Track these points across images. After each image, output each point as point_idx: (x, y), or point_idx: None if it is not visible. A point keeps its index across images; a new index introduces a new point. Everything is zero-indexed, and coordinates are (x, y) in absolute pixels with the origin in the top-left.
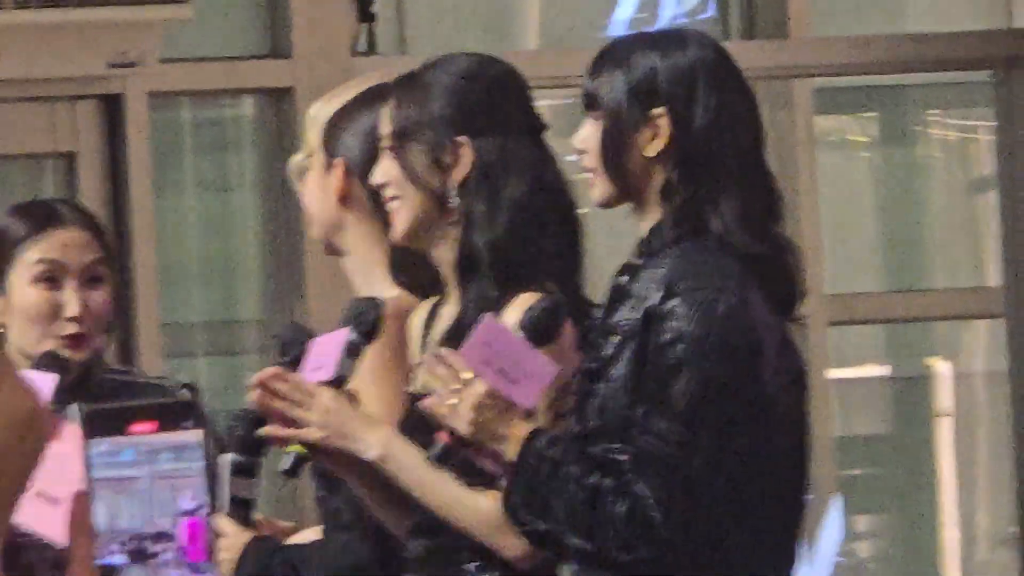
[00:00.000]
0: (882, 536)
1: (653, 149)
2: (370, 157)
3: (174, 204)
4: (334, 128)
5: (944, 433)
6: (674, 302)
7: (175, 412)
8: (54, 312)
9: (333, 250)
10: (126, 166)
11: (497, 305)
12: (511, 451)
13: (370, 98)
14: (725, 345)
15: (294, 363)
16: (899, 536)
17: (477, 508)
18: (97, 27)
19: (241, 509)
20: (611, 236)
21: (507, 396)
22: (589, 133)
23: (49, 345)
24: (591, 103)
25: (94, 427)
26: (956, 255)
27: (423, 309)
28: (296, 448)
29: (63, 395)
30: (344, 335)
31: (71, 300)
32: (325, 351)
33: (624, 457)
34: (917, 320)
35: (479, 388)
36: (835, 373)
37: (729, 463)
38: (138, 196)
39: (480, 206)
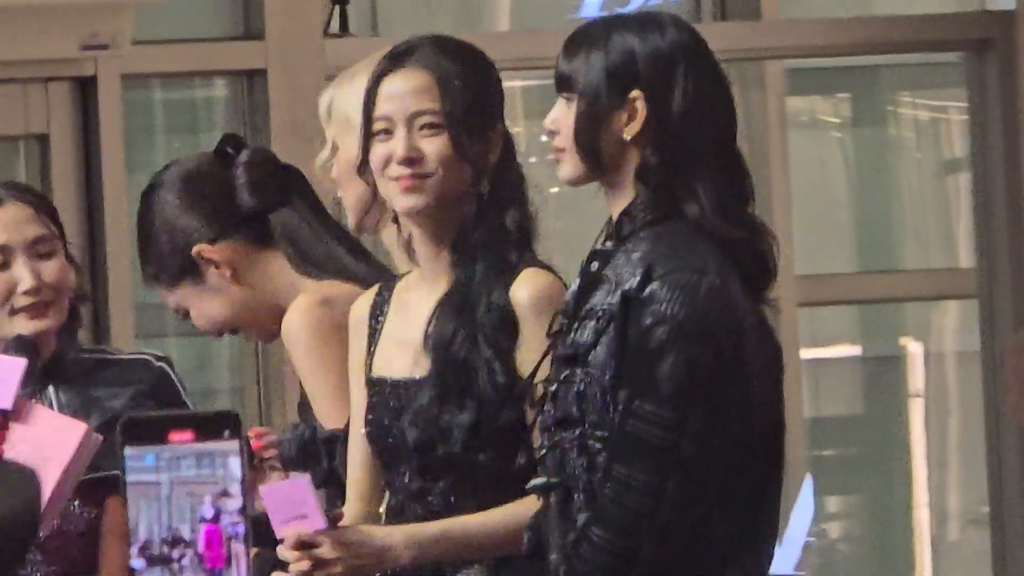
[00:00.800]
0: (854, 517)
1: (629, 132)
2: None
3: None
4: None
5: (916, 413)
6: (654, 285)
7: (214, 422)
8: (9, 290)
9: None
10: (99, 148)
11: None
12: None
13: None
14: (708, 327)
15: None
16: (871, 517)
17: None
18: (70, 9)
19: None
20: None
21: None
22: (561, 114)
23: (13, 325)
24: (565, 84)
25: (132, 435)
26: (928, 236)
27: (366, 299)
28: None
29: (39, 377)
30: (304, 484)
31: (23, 274)
32: (293, 500)
33: (599, 447)
34: (889, 301)
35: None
36: (807, 354)
37: (716, 445)
38: (111, 178)
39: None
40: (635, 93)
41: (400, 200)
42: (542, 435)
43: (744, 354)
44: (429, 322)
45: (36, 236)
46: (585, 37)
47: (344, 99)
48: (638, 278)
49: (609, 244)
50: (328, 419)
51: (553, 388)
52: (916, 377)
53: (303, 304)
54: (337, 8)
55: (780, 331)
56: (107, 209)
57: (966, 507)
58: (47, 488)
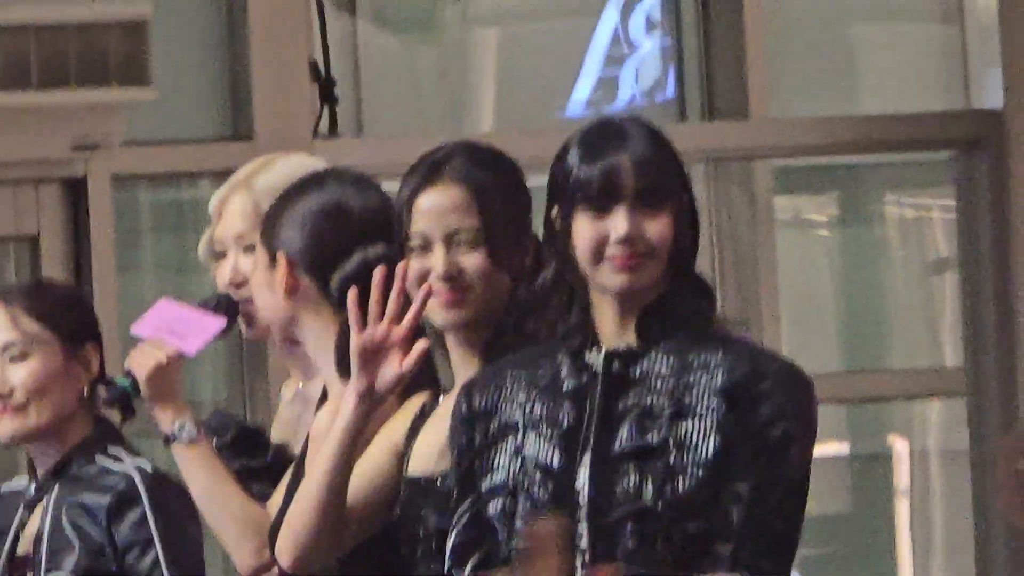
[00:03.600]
0: None
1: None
2: (311, 246)
3: (137, 286)
4: (272, 221)
5: (903, 512)
6: (767, 384)
7: None
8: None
9: (292, 343)
10: (88, 249)
11: None
12: None
13: (304, 187)
14: (814, 421)
15: (232, 444)
16: None
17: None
18: (60, 110)
19: None
20: None
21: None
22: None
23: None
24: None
25: None
26: (914, 335)
27: (412, 409)
28: None
29: (40, 488)
30: (214, 321)
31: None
32: (186, 323)
33: (721, 545)
34: (876, 400)
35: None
36: None
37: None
38: (101, 279)
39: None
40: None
41: (440, 315)
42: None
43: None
44: None
45: (6, 340)
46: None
47: (267, 197)
48: (742, 373)
49: (628, 345)
50: None
51: (606, 482)
52: (902, 476)
53: None
54: (326, 109)
55: None
56: (98, 309)
57: None
58: None
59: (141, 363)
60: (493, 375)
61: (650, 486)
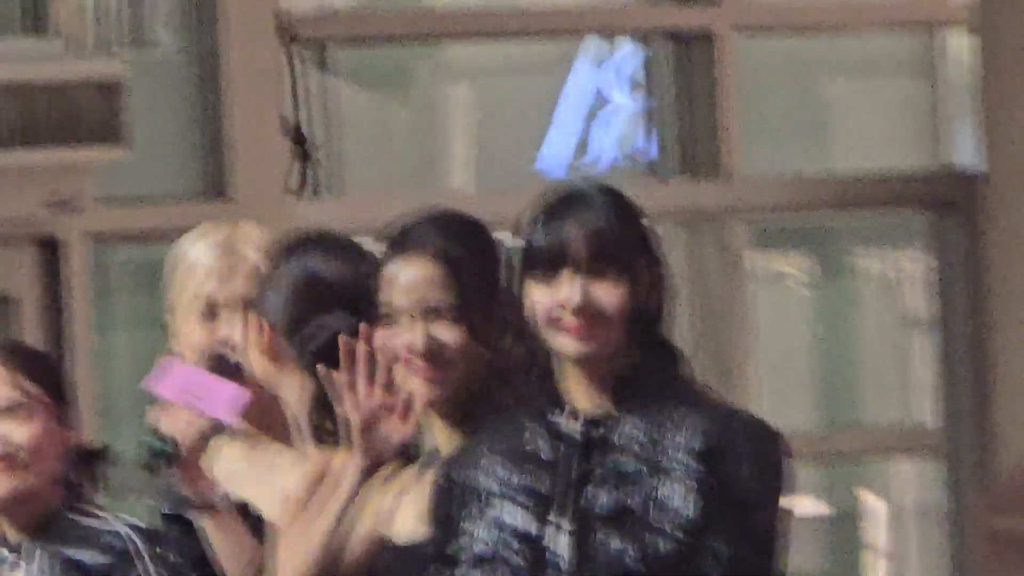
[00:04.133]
0: None
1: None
2: (284, 313)
3: (114, 344)
4: (261, 286)
5: (878, 571)
6: (740, 441)
7: None
8: None
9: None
10: (66, 308)
11: None
12: None
13: (287, 252)
14: (786, 482)
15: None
16: None
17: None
18: (33, 169)
19: None
20: None
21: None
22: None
23: None
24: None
25: None
26: (889, 392)
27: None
28: None
29: (15, 549)
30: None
31: None
32: (202, 387)
33: None
34: (851, 457)
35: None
36: None
37: None
38: (79, 337)
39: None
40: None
41: (421, 390)
42: None
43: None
44: None
45: (10, 399)
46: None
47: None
48: (716, 432)
49: (606, 412)
50: None
51: (586, 547)
52: (878, 534)
53: None
54: (304, 167)
55: None
56: (76, 368)
57: None
58: None
59: (183, 430)
60: (470, 448)
61: (631, 549)
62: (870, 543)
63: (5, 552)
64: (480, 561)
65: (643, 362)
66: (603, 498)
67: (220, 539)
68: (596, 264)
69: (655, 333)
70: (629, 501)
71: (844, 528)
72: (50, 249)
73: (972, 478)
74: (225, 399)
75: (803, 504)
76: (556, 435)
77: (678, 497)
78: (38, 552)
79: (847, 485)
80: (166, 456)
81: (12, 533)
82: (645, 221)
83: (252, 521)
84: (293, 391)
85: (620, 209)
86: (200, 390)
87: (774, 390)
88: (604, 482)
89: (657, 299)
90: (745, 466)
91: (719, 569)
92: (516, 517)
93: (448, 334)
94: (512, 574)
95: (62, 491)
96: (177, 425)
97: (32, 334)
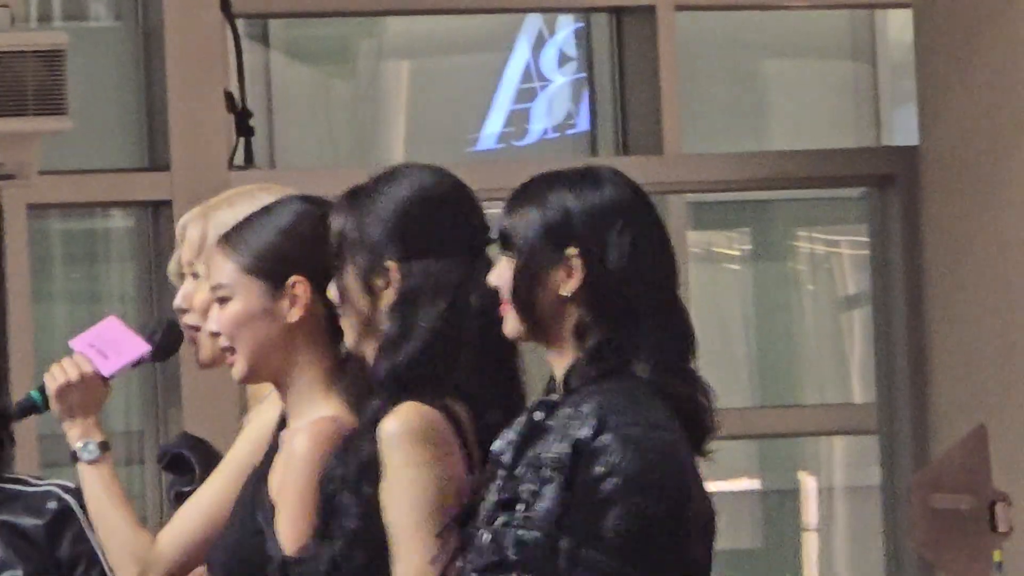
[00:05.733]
0: None
1: (566, 289)
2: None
3: (51, 313)
4: (276, 247)
5: (811, 547)
6: (606, 437)
7: None
8: None
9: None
10: (4, 277)
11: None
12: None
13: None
14: (658, 482)
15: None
16: None
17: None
18: None
19: None
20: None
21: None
22: (503, 270)
23: None
24: (505, 241)
25: None
26: (824, 371)
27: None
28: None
29: None
30: (141, 347)
31: None
32: (117, 344)
33: None
34: (787, 436)
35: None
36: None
37: None
38: (16, 307)
39: (393, 330)
40: (571, 250)
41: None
42: None
43: (687, 513)
44: None
45: None
46: (524, 194)
47: (217, 232)
48: (591, 429)
49: (554, 396)
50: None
51: (486, 533)
52: (811, 511)
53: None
54: (242, 140)
55: None
56: (11, 338)
57: None
58: None
59: (54, 377)
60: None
61: (504, 540)
62: (803, 519)
63: None
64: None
65: (596, 351)
66: (496, 487)
67: (86, 490)
68: (503, 245)
69: (586, 323)
70: (507, 492)
71: (781, 505)
72: None
73: (907, 455)
74: (121, 353)
75: (738, 481)
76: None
77: (547, 490)
78: None
79: (783, 463)
80: (32, 405)
81: None
82: (573, 204)
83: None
84: (311, 359)
85: (529, 188)
86: (107, 344)
87: (710, 367)
88: (516, 469)
89: (602, 282)
90: (602, 464)
91: (565, 566)
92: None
93: (342, 277)
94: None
95: None
96: (52, 374)
97: None
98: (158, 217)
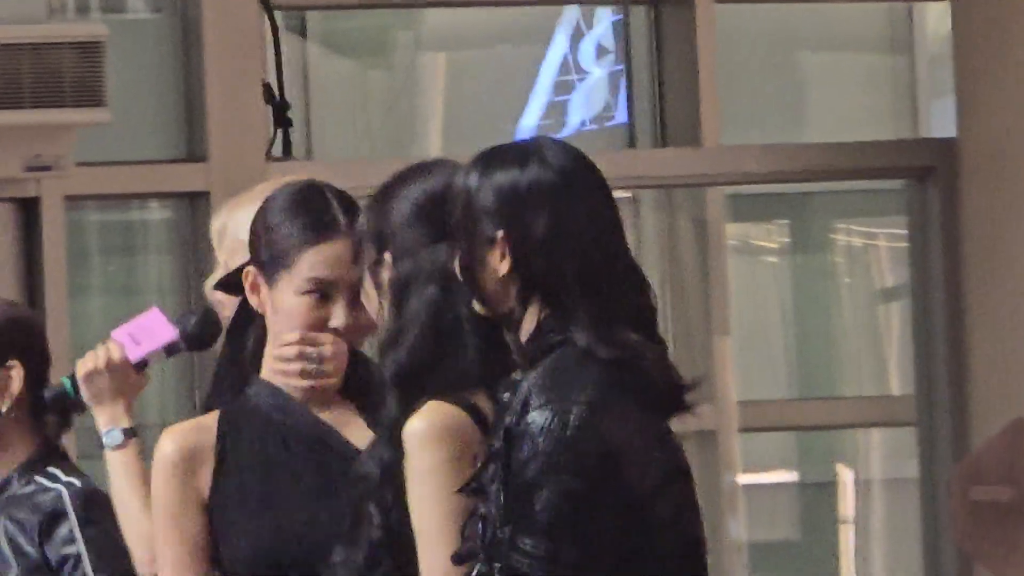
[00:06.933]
0: None
1: (503, 268)
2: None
3: (88, 305)
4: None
5: (848, 539)
6: (529, 418)
7: None
8: None
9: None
10: (41, 269)
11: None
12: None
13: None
14: (577, 457)
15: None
16: None
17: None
18: (13, 130)
19: None
20: None
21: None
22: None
23: None
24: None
25: None
26: (863, 363)
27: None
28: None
29: None
30: (172, 332)
31: None
32: (151, 332)
33: None
34: (825, 428)
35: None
36: (744, 479)
37: (600, 573)
38: (53, 299)
39: (389, 326)
40: (500, 233)
41: None
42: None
43: (624, 480)
44: None
45: None
46: (463, 178)
47: (237, 225)
48: (515, 414)
49: (516, 375)
50: None
51: (464, 523)
52: (848, 503)
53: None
54: (280, 132)
55: (719, 456)
56: (49, 330)
57: None
58: None
59: (83, 364)
60: None
61: (471, 529)
62: (841, 512)
63: None
64: None
65: (545, 328)
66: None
67: (110, 476)
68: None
69: (526, 300)
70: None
71: (818, 498)
72: (28, 209)
73: (946, 448)
74: (151, 341)
75: (775, 473)
76: None
77: (495, 475)
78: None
79: (821, 455)
80: (62, 393)
81: None
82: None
83: None
84: None
85: (467, 174)
86: (143, 332)
87: (748, 359)
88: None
89: (514, 263)
90: (528, 447)
91: (505, 551)
92: None
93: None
94: None
95: (27, 449)
96: (82, 361)
97: (7, 294)
98: (196, 209)
